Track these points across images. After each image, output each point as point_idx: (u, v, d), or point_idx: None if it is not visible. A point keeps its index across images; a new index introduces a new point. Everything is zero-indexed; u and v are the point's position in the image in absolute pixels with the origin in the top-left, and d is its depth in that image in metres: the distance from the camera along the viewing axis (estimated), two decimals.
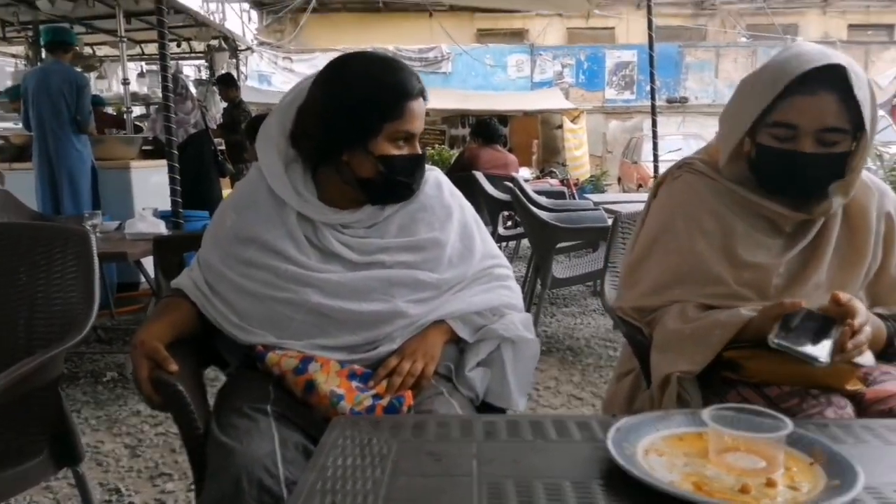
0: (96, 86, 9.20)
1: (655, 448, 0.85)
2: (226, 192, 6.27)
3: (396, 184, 1.28)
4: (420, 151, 1.31)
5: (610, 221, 3.65)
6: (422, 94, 1.28)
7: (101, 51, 7.87)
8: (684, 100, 16.73)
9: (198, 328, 1.30)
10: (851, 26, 17.99)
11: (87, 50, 7.57)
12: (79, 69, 5.42)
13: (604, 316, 4.30)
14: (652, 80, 5.90)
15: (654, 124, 5.79)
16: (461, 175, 4.89)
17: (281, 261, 1.25)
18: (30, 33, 6.13)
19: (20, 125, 4.95)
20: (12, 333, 1.49)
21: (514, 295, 1.39)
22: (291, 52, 16.11)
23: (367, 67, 1.27)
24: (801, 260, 1.25)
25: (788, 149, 1.18)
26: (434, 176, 1.40)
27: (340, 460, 0.85)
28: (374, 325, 1.25)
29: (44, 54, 5.21)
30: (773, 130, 1.19)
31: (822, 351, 1.01)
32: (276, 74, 15.49)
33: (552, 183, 7.90)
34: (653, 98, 5.89)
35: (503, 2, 10.26)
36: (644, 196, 5.84)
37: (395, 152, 1.26)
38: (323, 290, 1.24)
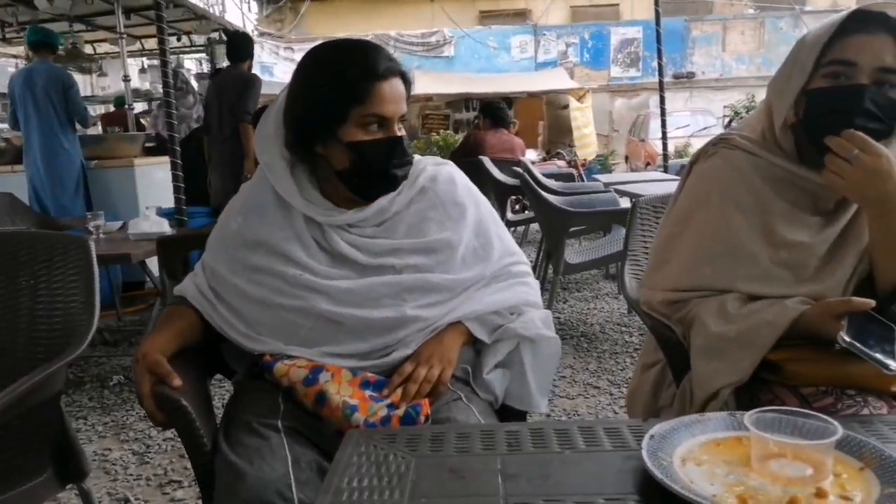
0: (98, 83, 9.17)
1: (693, 456, 0.80)
2: None
3: (374, 172, 1.20)
4: (399, 134, 1.21)
5: (622, 203, 3.61)
6: (394, 74, 1.18)
7: (102, 48, 7.80)
8: (691, 75, 16.53)
9: (203, 337, 1.25)
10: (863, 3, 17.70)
11: (88, 48, 7.50)
12: (71, 68, 5.37)
13: (617, 300, 4.24)
14: (659, 56, 5.78)
15: (662, 101, 5.70)
16: (467, 160, 4.82)
17: (289, 266, 1.20)
18: (28, 33, 6.06)
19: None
20: (13, 344, 1.45)
21: (533, 292, 1.33)
22: (293, 41, 16.01)
23: (331, 53, 1.21)
24: (840, 240, 1.18)
25: (846, 84, 1.11)
26: (447, 171, 1.33)
27: (356, 481, 0.80)
28: (386, 331, 1.20)
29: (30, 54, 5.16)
30: (829, 69, 1.12)
31: (890, 358, 0.95)
32: (278, 65, 15.40)
33: (559, 165, 7.80)
34: (660, 74, 5.78)
35: None
36: (652, 174, 5.76)
37: (367, 138, 1.18)
38: (332, 297, 1.18)
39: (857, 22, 1.11)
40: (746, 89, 14.34)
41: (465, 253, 1.26)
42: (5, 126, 5.54)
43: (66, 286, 1.45)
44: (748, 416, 0.78)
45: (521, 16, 17.82)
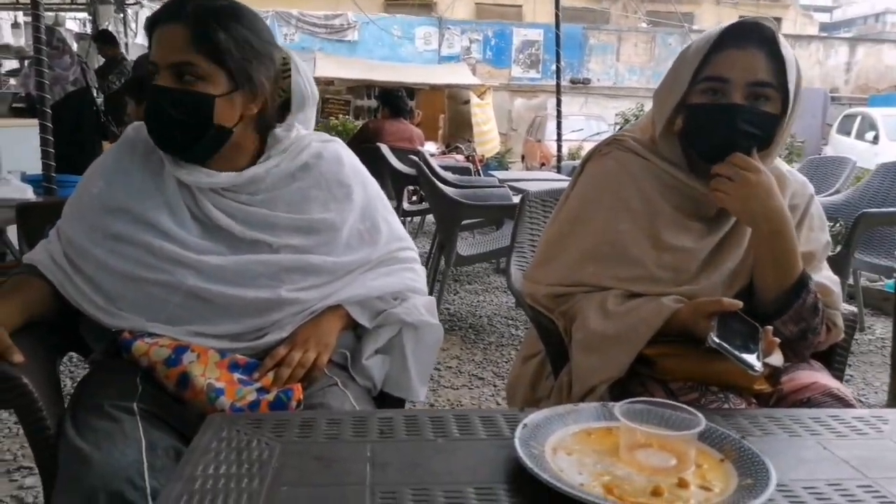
0: None
1: (564, 445, 0.80)
2: None
3: (147, 125, 1.13)
4: (158, 83, 1.08)
5: (515, 199, 3.67)
6: (174, 18, 1.08)
7: None
8: (587, 81, 17.14)
9: (54, 310, 1.13)
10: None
11: None
12: None
13: (506, 293, 4.31)
14: (558, 60, 5.94)
15: (558, 103, 5.86)
16: (365, 147, 4.74)
17: (155, 236, 1.11)
18: None
19: None
20: None
21: (419, 278, 1.30)
22: None
23: None
24: (719, 245, 1.23)
25: (719, 102, 1.16)
26: (333, 149, 1.26)
27: (213, 468, 0.74)
28: (260, 312, 1.13)
29: None
30: (705, 85, 1.17)
31: (754, 358, 1.00)
32: None
33: (458, 159, 7.86)
34: (558, 77, 5.93)
35: None
36: (546, 174, 5.90)
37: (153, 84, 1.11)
38: (202, 272, 1.10)
39: (732, 37, 1.15)
40: (637, 99, 15.04)
41: (349, 236, 1.22)
42: None
43: None
44: (619, 407, 0.79)
45: (426, 7, 17.82)
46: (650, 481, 0.72)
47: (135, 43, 8.65)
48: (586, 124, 13.73)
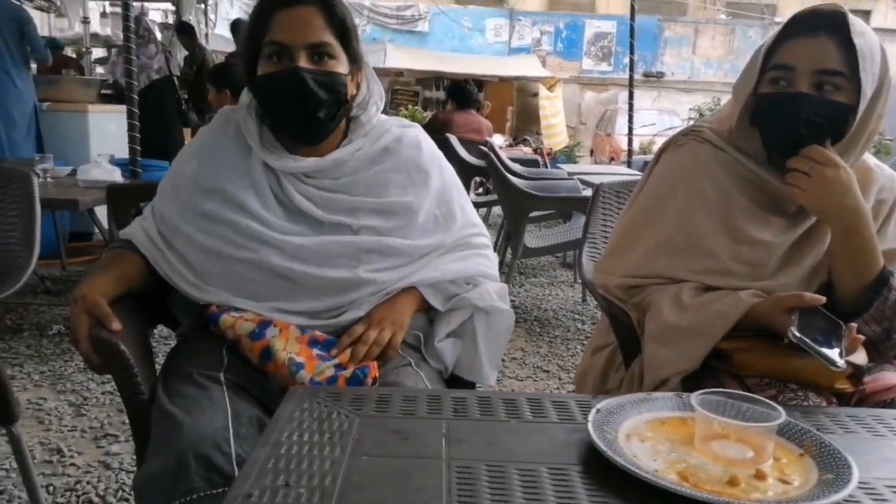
0: (55, 24, 8.80)
1: (638, 433, 0.80)
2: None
3: (278, 109, 1.16)
4: (297, 65, 1.11)
5: (584, 192, 3.64)
6: (300, 1, 1.12)
7: None
8: (661, 74, 16.72)
9: (147, 284, 1.20)
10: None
11: None
12: (27, 4, 5.12)
13: (572, 288, 4.28)
14: (632, 52, 5.81)
15: (630, 97, 5.74)
16: (434, 138, 4.76)
17: (242, 216, 1.16)
18: None
19: None
20: None
21: (491, 264, 1.31)
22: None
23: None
24: (800, 241, 1.19)
25: (784, 91, 1.12)
26: (413, 134, 1.29)
27: (296, 436, 0.78)
28: (339, 291, 1.17)
29: None
30: (772, 74, 1.14)
31: (837, 354, 0.97)
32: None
33: (526, 151, 7.82)
34: (631, 70, 5.81)
35: None
36: (616, 168, 5.82)
37: (267, 70, 1.14)
38: (285, 251, 1.15)
39: (800, 24, 1.12)
40: (713, 93, 14.59)
41: (425, 220, 1.24)
42: None
43: (5, 220, 1.38)
44: (694, 397, 0.78)
45: None
46: (726, 471, 0.71)
47: (214, 33, 8.94)
48: (659, 119, 13.41)
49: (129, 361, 1.03)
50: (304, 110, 1.14)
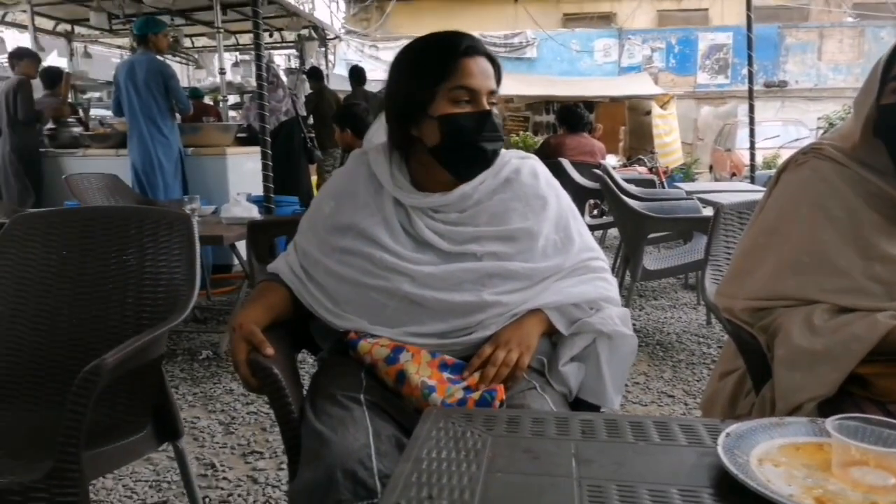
0: (194, 75, 9.64)
1: (771, 458, 0.79)
2: (314, 178, 6.44)
3: (462, 144, 1.24)
4: (487, 108, 1.24)
5: (706, 211, 3.54)
6: (477, 51, 1.24)
7: (199, 42, 8.19)
8: (783, 83, 15.86)
9: (292, 312, 1.32)
10: None
11: (186, 42, 7.89)
12: (170, 59, 5.61)
13: (695, 310, 4.14)
14: (750, 63, 5.59)
15: (751, 109, 5.52)
16: (546, 162, 4.79)
17: (376, 249, 1.25)
18: (133, 25, 6.43)
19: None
20: (121, 311, 1.57)
21: (612, 288, 1.34)
22: (377, 39, 16.32)
23: (420, 41, 1.28)
24: None
25: None
26: (530, 165, 1.36)
27: (434, 453, 0.84)
28: (466, 314, 1.23)
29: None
30: (893, 85, 1.10)
31: None
32: (362, 62, 15.70)
33: (640, 171, 7.67)
34: (750, 82, 5.58)
35: None
36: (738, 185, 5.56)
37: (456, 111, 1.23)
38: (415, 279, 1.23)
39: None
40: (843, 100, 13.66)
41: (545, 244, 1.29)
42: (110, 113, 5.88)
43: (170, 259, 1.55)
44: (830, 422, 0.77)
45: (605, 19, 17.55)
46: (867, 498, 0.70)
47: (333, 73, 9.45)
48: (783, 130, 12.71)
49: (282, 383, 1.15)
50: (488, 148, 1.25)
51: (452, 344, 1.24)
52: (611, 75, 15.54)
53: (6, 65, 5.96)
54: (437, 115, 1.23)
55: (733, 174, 11.83)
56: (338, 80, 8.86)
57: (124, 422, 1.39)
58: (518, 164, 1.34)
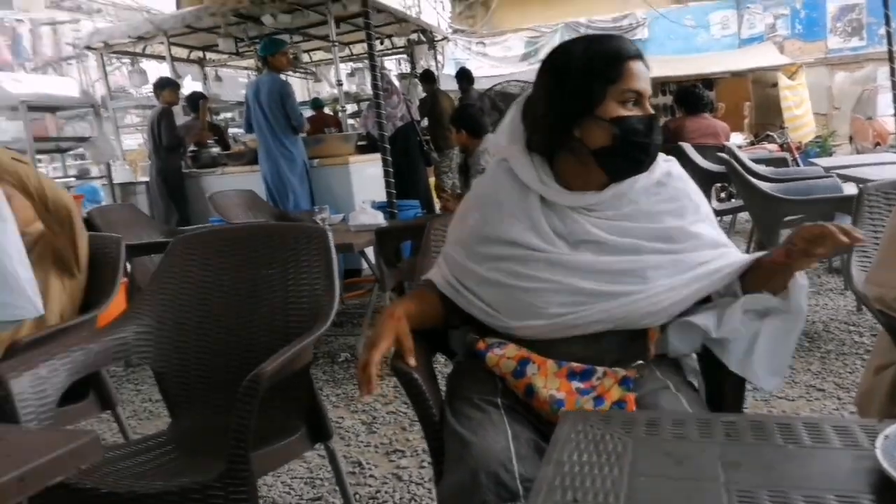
0: (313, 88, 10.11)
1: None
2: (431, 179, 6.60)
3: (633, 146, 1.23)
4: (652, 112, 1.26)
5: (847, 189, 3.29)
6: (639, 56, 1.25)
7: (317, 56, 8.58)
8: None
9: (441, 320, 1.37)
10: None
11: (304, 57, 8.28)
12: (292, 76, 5.91)
13: (843, 296, 3.87)
14: (887, 22, 5.13)
15: (893, 73, 5.07)
16: (666, 148, 4.63)
17: (527, 252, 1.26)
18: (258, 47, 6.85)
19: None
20: (270, 322, 1.70)
21: None
22: (484, 36, 16.36)
23: (580, 43, 1.28)
24: None
25: None
26: (678, 168, 1.36)
27: (576, 456, 0.85)
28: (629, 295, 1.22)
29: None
30: None
31: None
32: (470, 60, 15.81)
33: (770, 149, 7.22)
34: (889, 42, 5.13)
35: None
36: (883, 156, 5.10)
37: (627, 113, 1.23)
38: (575, 271, 1.23)
39: None
40: None
41: (694, 241, 1.27)
42: (242, 130, 6.32)
43: (310, 271, 1.67)
44: None
45: None
46: None
47: (444, 74, 9.59)
48: None
49: (422, 388, 1.21)
50: (653, 152, 1.26)
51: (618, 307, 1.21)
52: (730, 49, 14.70)
53: (149, 94, 6.55)
54: (609, 118, 1.22)
55: (877, 143, 10.89)
56: (447, 80, 8.97)
57: (281, 425, 1.52)
58: (667, 167, 1.34)
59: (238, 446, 1.23)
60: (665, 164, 1.34)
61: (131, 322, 1.68)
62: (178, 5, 6.91)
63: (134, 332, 1.67)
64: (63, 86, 8.57)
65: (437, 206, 6.29)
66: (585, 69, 1.23)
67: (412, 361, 1.21)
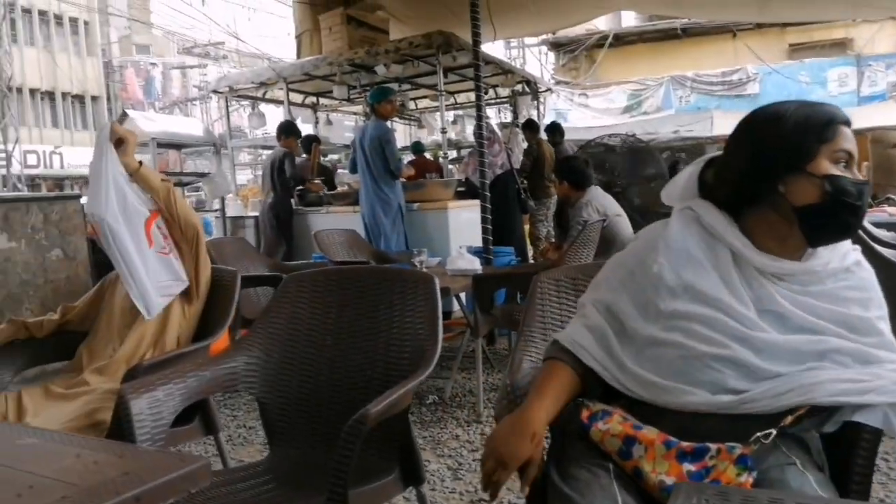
0: (415, 134, 10.43)
1: None
2: (526, 227, 6.59)
3: (843, 206, 1.18)
4: (865, 178, 1.21)
5: None
6: (849, 123, 1.22)
7: (422, 103, 8.86)
8: None
9: (575, 394, 1.28)
10: None
11: (410, 104, 8.57)
12: (396, 119, 6.11)
13: None
14: None
15: None
16: None
17: (719, 312, 1.19)
18: (367, 94, 7.16)
19: None
20: (373, 363, 1.73)
21: None
22: (586, 88, 16.41)
23: (791, 104, 1.25)
24: None
25: None
26: (865, 261, 1.29)
27: None
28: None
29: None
30: None
31: None
32: (572, 111, 15.88)
33: (890, 212, 6.77)
34: None
35: (821, 13, 9.17)
36: None
37: (839, 173, 1.19)
38: (761, 350, 1.17)
39: None
40: None
41: (882, 341, 1.20)
42: (347, 171, 6.58)
43: (415, 316, 1.69)
44: None
45: (839, 46, 15.97)
46: None
47: (543, 123, 9.66)
48: None
49: None
50: (861, 216, 1.21)
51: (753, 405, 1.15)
52: (849, 106, 14.03)
53: (265, 135, 6.95)
54: (822, 174, 1.18)
55: None
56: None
57: (377, 465, 1.53)
58: (857, 256, 1.28)
59: (338, 483, 1.25)
60: (855, 253, 1.28)
61: (242, 353, 1.75)
62: (299, 54, 7.33)
63: (244, 363, 1.74)
64: (189, 125, 9.24)
65: (531, 253, 6.28)
66: (800, 125, 1.20)
67: (526, 491, 1.18)
